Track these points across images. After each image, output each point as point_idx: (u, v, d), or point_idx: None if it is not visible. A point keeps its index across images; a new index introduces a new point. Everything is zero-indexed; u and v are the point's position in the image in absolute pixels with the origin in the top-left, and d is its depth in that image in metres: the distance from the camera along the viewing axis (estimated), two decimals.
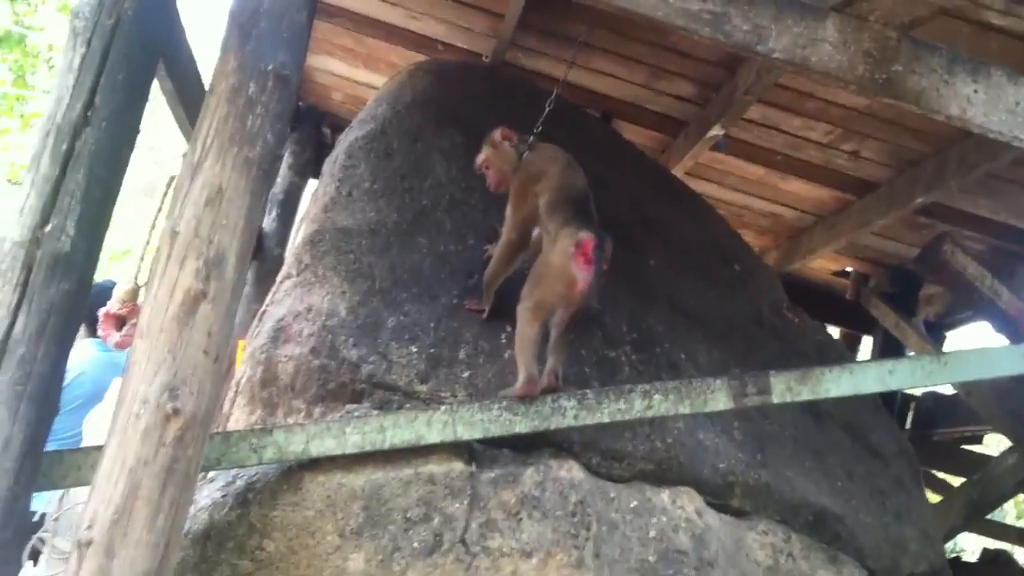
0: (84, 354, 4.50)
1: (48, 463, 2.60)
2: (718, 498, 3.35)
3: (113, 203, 2.69)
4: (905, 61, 2.93)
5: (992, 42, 3.78)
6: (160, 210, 4.19)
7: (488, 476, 2.98)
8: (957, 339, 7.80)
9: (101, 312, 4.41)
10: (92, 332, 4.58)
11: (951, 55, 2.96)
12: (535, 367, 3.04)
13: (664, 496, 3.19)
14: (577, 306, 3.08)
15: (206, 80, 4.00)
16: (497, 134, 3.46)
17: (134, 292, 4.45)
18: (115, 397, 2.44)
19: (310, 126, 6.47)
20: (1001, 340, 5.43)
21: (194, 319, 2.44)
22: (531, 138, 3.44)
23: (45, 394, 2.48)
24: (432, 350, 3.24)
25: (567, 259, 2.99)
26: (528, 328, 3.07)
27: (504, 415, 3.00)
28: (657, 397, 3.14)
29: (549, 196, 3.23)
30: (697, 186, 5.87)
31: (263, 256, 5.86)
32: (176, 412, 2.37)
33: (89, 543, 2.28)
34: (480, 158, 3.49)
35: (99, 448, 2.45)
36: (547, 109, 3.55)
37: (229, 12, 2.75)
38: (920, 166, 5.26)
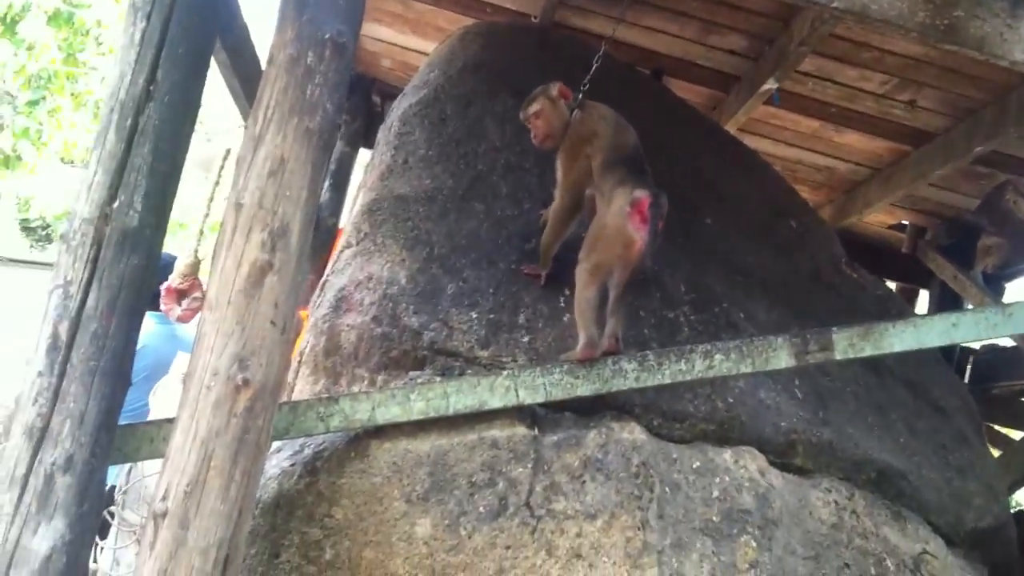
0: (145, 327, 4.53)
1: (121, 437, 2.65)
2: (780, 457, 3.35)
3: (178, 177, 2.71)
4: (966, 6, 2.87)
5: None
6: (217, 183, 4.22)
7: (551, 440, 3.00)
8: (1017, 290, 7.67)
9: (163, 287, 4.46)
10: (154, 306, 4.63)
11: None
12: (595, 330, 3.04)
13: (726, 456, 3.19)
14: (634, 266, 3.06)
15: (260, 53, 4.04)
16: (555, 89, 3.38)
17: (195, 266, 4.48)
18: (180, 370, 2.48)
19: (360, 95, 6.44)
20: None
21: (261, 291, 2.48)
22: (580, 96, 3.38)
23: (118, 368, 2.52)
24: (492, 315, 3.26)
25: (623, 219, 2.97)
26: (586, 291, 3.07)
27: (565, 379, 3.01)
28: (718, 357, 3.13)
29: (602, 156, 3.21)
30: (751, 142, 5.82)
31: (318, 225, 5.87)
32: (246, 383, 2.41)
33: (164, 514, 2.34)
34: (533, 108, 3.38)
35: (171, 420, 2.50)
36: (594, 66, 3.47)
37: None
38: (978, 114, 5.16)
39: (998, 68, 2.94)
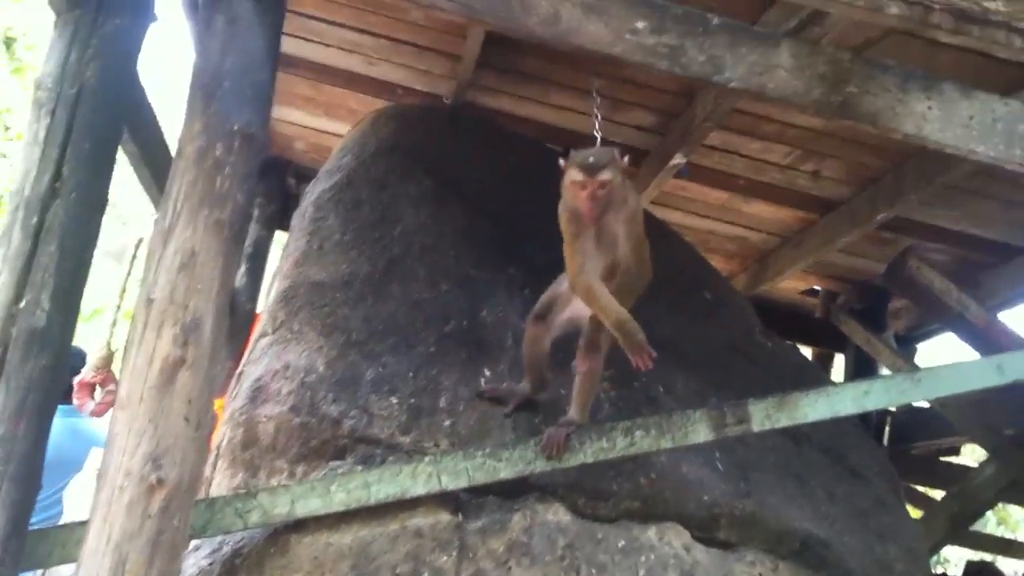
0: None
1: (32, 542, 2.56)
2: (704, 531, 3.35)
3: (86, 274, 2.67)
4: (859, 82, 2.97)
5: (943, 55, 3.84)
6: (129, 273, 4.16)
7: (475, 525, 2.97)
8: (928, 351, 7.87)
9: (75, 380, 4.37)
10: (66, 400, 4.53)
11: (904, 73, 3.00)
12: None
13: (651, 533, 3.19)
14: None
15: (170, 142, 4.02)
16: (622, 158, 3.08)
17: (108, 359, 4.40)
18: (95, 468, 2.41)
19: (275, 177, 6.41)
20: (970, 352, 5.47)
21: (174, 386, 2.44)
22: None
23: (28, 473, 2.44)
24: (412, 400, 3.24)
25: None
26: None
27: (488, 462, 3.00)
28: (639, 433, 3.15)
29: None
30: (662, 214, 5.91)
31: (234, 311, 5.79)
32: (160, 482, 2.36)
33: None
34: (603, 176, 2.96)
35: (83, 524, 2.43)
36: (597, 125, 3.63)
37: (192, 74, 2.76)
38: (880, 182, 5.32)
39: (896, 137, 3.04)
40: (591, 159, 3.02)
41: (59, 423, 4.61)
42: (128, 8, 2.85)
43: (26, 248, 2.55)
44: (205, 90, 2.68)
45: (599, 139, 3.75)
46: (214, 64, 2.70)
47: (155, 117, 3.97)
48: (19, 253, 2.55)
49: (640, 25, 2.82)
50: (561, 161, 3.12)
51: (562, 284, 3.26)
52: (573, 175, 3.02)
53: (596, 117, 4.16)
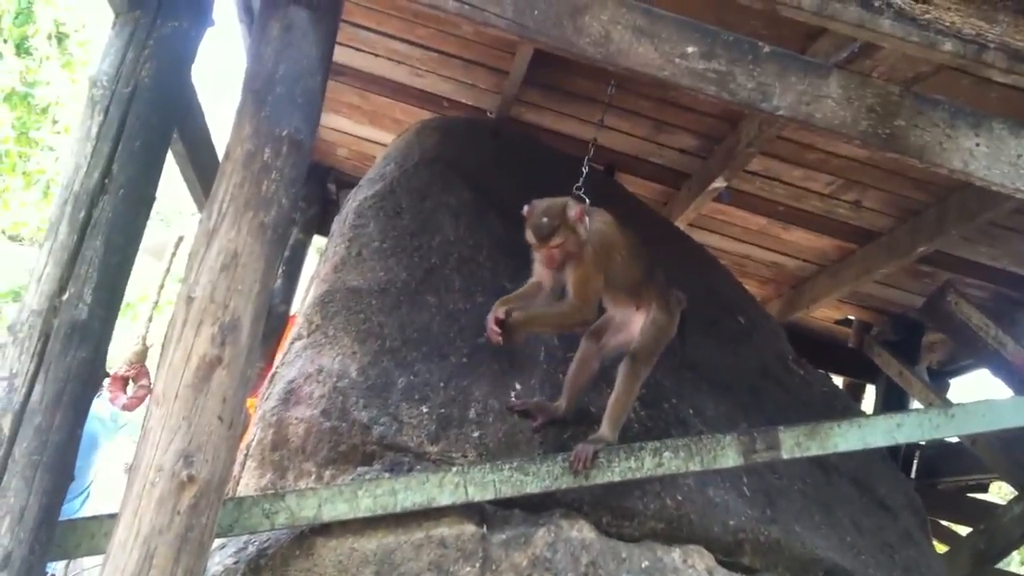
0: None
1: (62, 532, 2.60)
2: (728, 556, 3.35)
3: (129, 270, 2.71)
4: (908, 116, 2.95)
5: (992, 93, 3.83)
6: (168, 271, 4.22)
7: (499, 538, 2.98)
8: (961, 386, 7.80)
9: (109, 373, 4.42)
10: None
11: (953, 109, 2.98)
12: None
13: (675, 555, 3.18)
14: None
15: (218, 145, 4.07)
16: (573, 212, 3.14)
17: (142, 353, 4.46)
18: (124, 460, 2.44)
19: (315, 183, 6.47)
20: (1005, 389, 5.43)
21: (209, 385, 2.47)
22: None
23: (61, 463, 2.49)
24: (442, 410, 3.26)
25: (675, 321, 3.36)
26: (637, 389, 3.27)
27: (515, 476, 3.01)
28: (667, 454, 3.16)
29: (630, 266, 3.29)
30: (700, 237, 5.92)
31: (269, 313, 5.84)
32: (191, 479, 2.39)
33: None
34: (554, 241, 3.10)
35: (113, 516, 2.46)
36: (584, 171, 3.60)
37: (244, 79, 2.79)
38: (921, 215, 5.30)
39: (942, 172, 3.03)
40: (544, 221, 3.12)
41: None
42: (186, 11, 2.91)
43: (72, 241, 2.60)
44: (257, 95, 2.71)
45: (591, 148, 3.92)
46: (267, 70, 2.73)
47: (204, 119, 4.02)
48: (65, 246, 2.60)
49: (690, 50, 2.83)
50: (525, 209, 3.21)
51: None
52: (528, 236, 3.18)
53: (601, 123, 4.39)
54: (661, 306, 3.31)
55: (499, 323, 3.08)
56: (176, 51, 2.90)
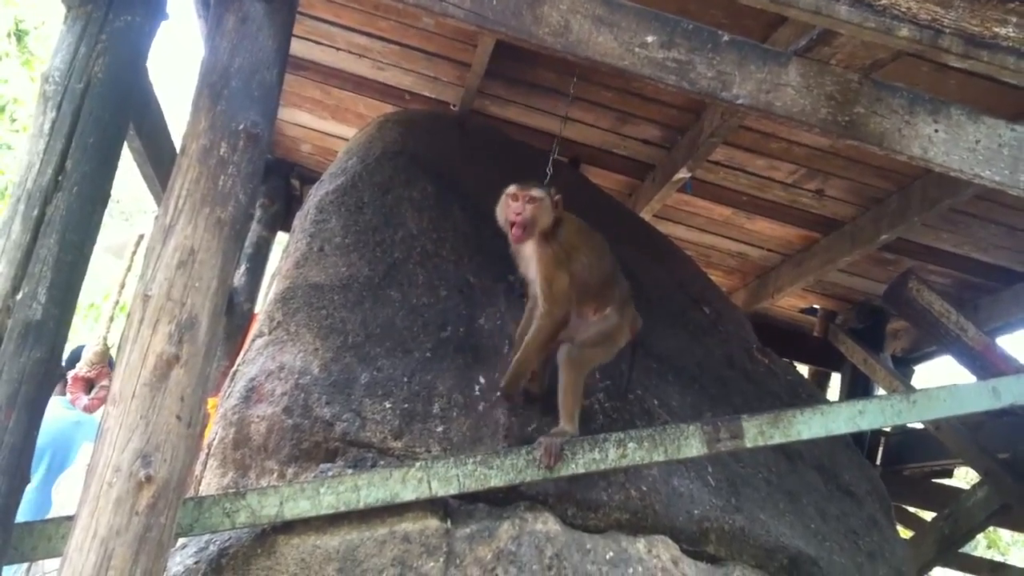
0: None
1: (18, 535, 2.56)
2: (694, 545, 3.36)
3: (85, 268, 2.67)
4: (867, 103, 2.96)
5: (951, 80, 3.85)
6: (129, 269, 4.17)
7: (463, 532, 2.97)
8: (926, 372, 7.87)
9: (70, 375, 4.37)
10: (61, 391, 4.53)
11: (912, 95, 2.99)
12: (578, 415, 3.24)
13: (640, 545, 3.18)
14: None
15: (177, 140, 4.03)
16: (557, 194, 3.30)
17: (103, 354, 4.41)
18: (85, 462, 2.41)
19: (279, 178, 6.46)
20: (967, 375, 5.47)
21: (167, 384, 2.44)
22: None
23: (16, 465, 2.44)
24: (406, 405, 3.24)
25: (632, 330, 3.45)
26: (582, 382, 3.27)
27: (479, 470, 3.00)
28: (631, 445, 3.16)
29: (595, 268, 3.36)
30: (665, 228, 5.94)
31: (232, 311, 5.81)
32: (149, 479, 2.36)
33: None
34: (535, 192, 3.24)
35: (70, 518, 2.43)
36: (549, 166, 3.74)
37: (199, 72, 2.76)
38: (884, 203, 5.34)
39: (901, 159, 3.04)
40: (531, 179, 3.31)
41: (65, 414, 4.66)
42: (139, 5, 2.86)
43: (25, 240, 2.55)
44: (212, 88, 2.68)
45: (555, 146, 4.04)
46: (223, 63, 2.70)
47: (162, 114, 3.97)
48: (18, 244, 2.55)
49: (650, 39, 2.82)
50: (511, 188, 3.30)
51: None
52: (509, 189, 3.29)
53: (564, 119, 4.50)
54: (616, 311, 3.37)
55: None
56: (129, 45, 2.84)
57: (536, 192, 3.24)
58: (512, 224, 3.22)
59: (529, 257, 3.31)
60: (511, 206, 3.24)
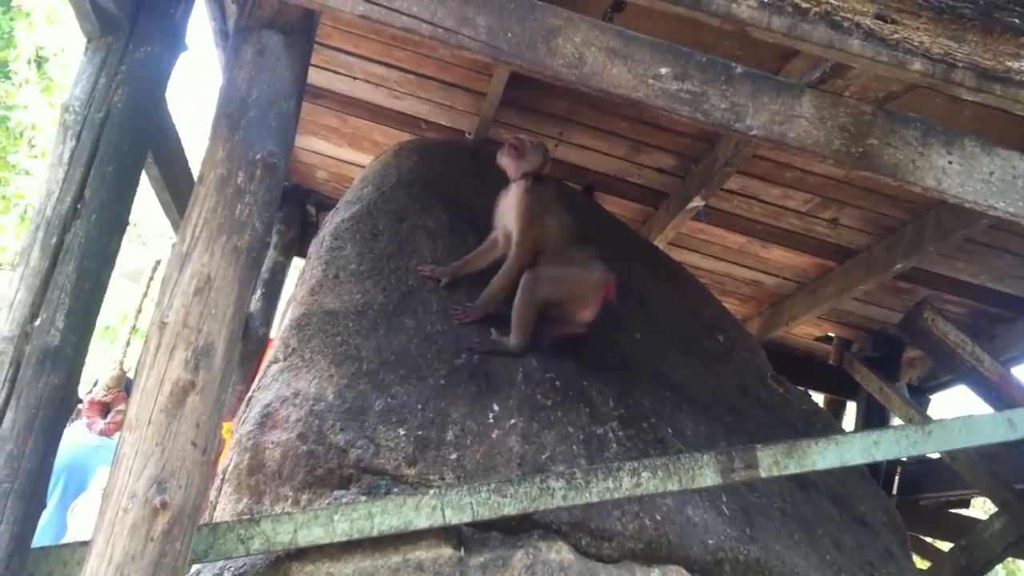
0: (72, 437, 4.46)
1: (34, 560, 2.57)
2: (708, 575, 3.34)
3: (102, 295, 2.69)
4: (880, 135, 2.96)
5: (965, 111, 3.85)
6: (146, 295, 4.20)
7: (477, 561, 2.96)
8: (942, 402, 7.82)
9: (87, 399, 4.40)
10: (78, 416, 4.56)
11: (925, 127, 2.99)
12: (527, 335, 3.69)
13: None
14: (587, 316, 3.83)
15: (193, 166, 4.07)
16: (549, 161, 3.91)
17: (120, 379, 4.44)
18: (101, 487, 2.42)
19: (295, 205, 6.50)
20: (983, 406, 5.44)
21: (183, 410, 2.45)
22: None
23: (33, 490, 2.45)
24: (420, 432, 3.24)
25: (599, 287, 3.78)
26: (533, 304, 3.69)
27: (493, 497, 3.00)
28: (645, 475, 3.15)
29: (559, 229, 3.84)
30: (679, 256, 5.95)
31: (248, 336, 5.84)
32: (164, 505, 2.37)
33: None
34: (532, 139, 3.92)
35: (85, 543, 2.44)
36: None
37: (217, 102, 2.78)
38: (898, 232, 5.34)
39: (915, 190, 3.04)
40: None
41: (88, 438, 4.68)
42: (159, 36, 2.90)
43: (44, 267, 2.58)
44: (230, 118, 2.70)
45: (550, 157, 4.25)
46: (240, 93, 2.72)
47: (180, 143, 4.01)
48: (37, 272, 2.58)
49: (663, 71, 2.83)
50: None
51: None
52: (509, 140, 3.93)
53: (558, 139, 5.08)
54: (580, 264, 3.79)
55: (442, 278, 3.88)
56: (149, 75, 2.88)
57: (533, 139, 3.92)
58: (509, 146, 3.84)
59: (509, 206, 3.83)
60: (510, 142, 3.87)
